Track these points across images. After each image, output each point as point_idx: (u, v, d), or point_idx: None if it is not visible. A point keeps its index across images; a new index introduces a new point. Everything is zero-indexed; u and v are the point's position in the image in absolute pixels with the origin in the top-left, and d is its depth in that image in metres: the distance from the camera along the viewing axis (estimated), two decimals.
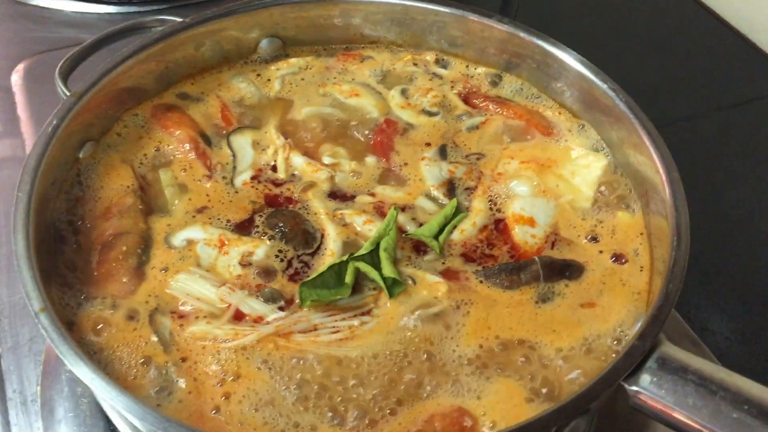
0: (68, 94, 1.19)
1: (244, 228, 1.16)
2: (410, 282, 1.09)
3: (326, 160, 1.27)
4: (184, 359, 1.00)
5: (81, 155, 1.22)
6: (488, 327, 1.05)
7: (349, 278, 1.06)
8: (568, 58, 1.29)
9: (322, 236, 1.15)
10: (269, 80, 1.41)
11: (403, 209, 1.19)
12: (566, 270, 1.11)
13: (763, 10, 2.07)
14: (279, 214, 1.17)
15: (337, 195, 1.22)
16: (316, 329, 1.03)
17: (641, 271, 1.12)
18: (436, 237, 1.14)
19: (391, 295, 1.06)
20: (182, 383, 0.98)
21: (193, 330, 1.02)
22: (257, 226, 1.16)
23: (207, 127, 1.31)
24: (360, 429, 0.94)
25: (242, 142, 1.29)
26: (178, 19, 1.33)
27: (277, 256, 1.12)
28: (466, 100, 1.39)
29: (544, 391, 0.98)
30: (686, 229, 1.03)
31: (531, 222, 1.17)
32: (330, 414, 0.95)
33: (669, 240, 1.03)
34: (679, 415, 0.88)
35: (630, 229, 1.17)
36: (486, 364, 1.01)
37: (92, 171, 1.21)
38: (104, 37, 1.34)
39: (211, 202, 1.19)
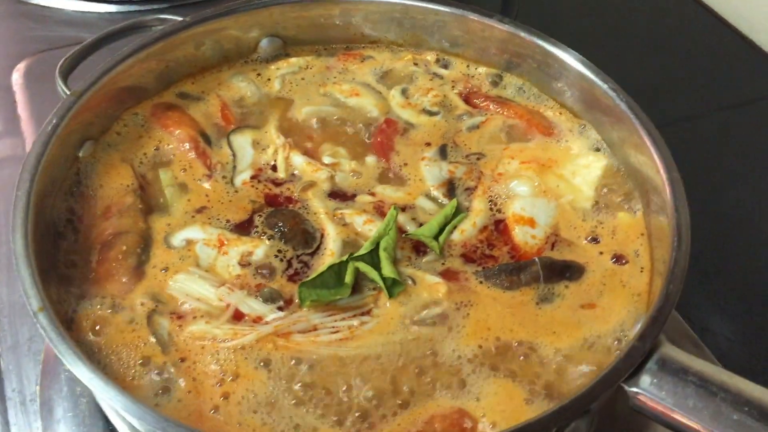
0: (68, 93, 1.18)
1: (243, 228, 1.15)
2: (410, 282, 1.09)
3: (326, 159, 1.27)
4: (182, 359, 1.00)
5: (81, 154, 1.22)
6: (488, 328, 1.04)
7: (348, 278, 1.06)
8: (568, 58, 1.28)
9: (322, 236, 1.15)
10: (269, 80, 1.40)
11: (403, 209, 1.19)
12: (566, 271, 1.11)
13: (763, 9, 2.06)
14: (278, 213, 1.17)
15: (338, 195, 1.21)
16: (315, 329, 1.03)
17: (641, 272, 1.11)
18: (436, 237, 1.14)
19: (390, 295, 1.06)
20: (181, 383, 0.98)
21: (192, 330, 1.02)
22: (256, 226, 1.16)
23: (207, 127, 1.31)
24: (359, 430, 0.94)
25: (242, 141, 1.29)
26: (179, 18, 1.33)
27: (276, 256, 1.12)
28: (466, 99, 1.38)
29: (543, 392, 0.98)
30: (687, 230, 1.03)
31: (531, 222, 1.17)
32: (329, 414, 0.95)
33: (669, 241, 1.02)
34: (679, 417, 0.88)
35: (631, 229, 1.17)
36: (486, 365, 1.00)
37: (92, 170, 1.21)
38: (104, 36, 1.34)
39: (211, 202, 1.19)
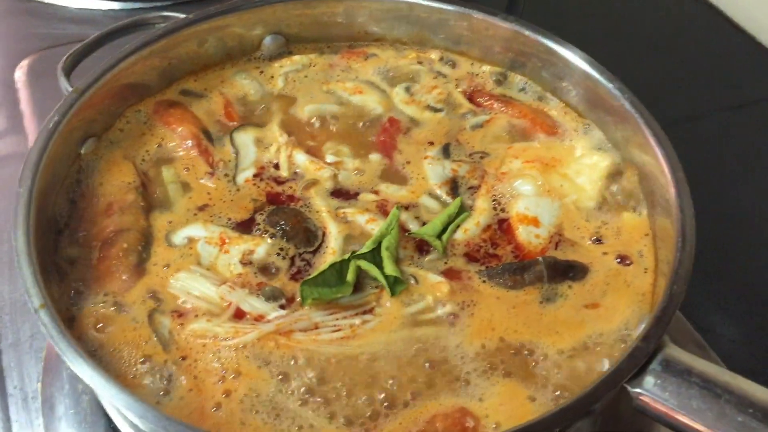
0: (71, 89, 1.18)
1: (245, 226, 1.15)
2: (413, 281, 1.08)
3: (329, 158, 1.26)
4: (184, 357, 1.00)
5: (83, 151, 1.21)
6: (492, 328, 1.04)
7: (350, 276, 1.05)
8: (573, 57, 1.28)
9: (324, 234, 1.14)
10: (272, 77, 1.40)
11: (406, 208, 1.18)
12: (570, 271, 1.10)
13: None
14: (280, 212, 1.16)
15: (340, 193, 1.21)
16: (317, 328, 1.02)
17: (645, 272, 1.11)
18: (439, 236, 1.13)
19: (393, 294, 1.06)
20: (183, 381, 0.98)
21: (194, 328, 1.02)
22: (258, 224, 1.15)
23: (210, 124, 1.30)
24: (360, 428, 0.94)
25: (245, 139, 1.28)
26: (182, 16, 1.33)
27: (278, 255, 1.11)
28: (470, 98, 1.38)
29: (546, 392, 0.98)
30: (691, 230, 1.02)
31: (535, 222, 1.17)
32: (330, 413, 0.95)
33: (674, 241, 1.02)
34: (682, 418, 0.87)
35: (635, 230, 1.16)
36: (489, 364, 1.00)
37: (94, 167, 1.21)
38: (107, 34, 1.34)
39: (213, 200, 1.19)
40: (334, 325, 1.03)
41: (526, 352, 1.02)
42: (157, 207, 1.17)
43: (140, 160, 1.24)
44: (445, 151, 1.28)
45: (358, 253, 1.08)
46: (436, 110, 1.35)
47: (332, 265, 1.06)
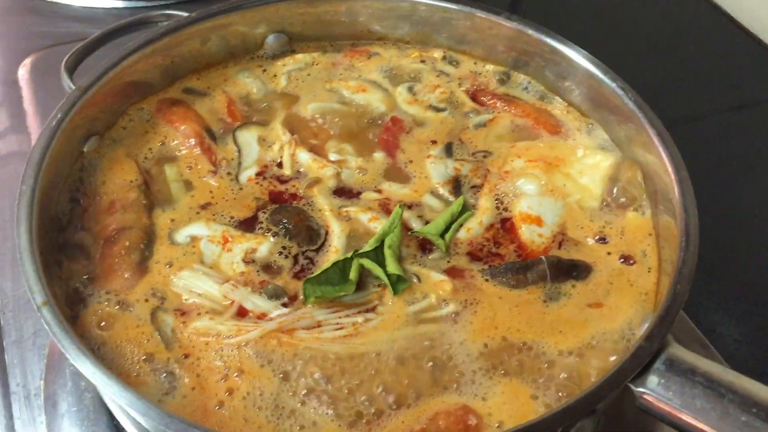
0: (73, 88, 1.18)
1: (247, 224, 1.15)
2: (415, 280, 1.08)
3: (332, 156, 1.26)
4: (186, 355, 1.00)
5: (85, 149, 1.21)
6: (495, 327, 1.04)
7: (353, 275, 1.05)
8: (576, 56, 1.28)
9: (327, 233, 1.14)
10: (275, 76, 1.40)
11: (409, 207, 1.18)
12: (573, 270, 1.10)
13: None
14: (283, 210, 1.16)
15: (343, 191, 1.21)
16: (319, 326, 1.02)
17: (649, 272, 1.11)
18: (442, 235, 1.13)
19: (395, 292, 1.06)
20: (185, 379, 0.98)
21: (196, 326, 1.02)
22: (261, 222, 1.15)
23: (212, 123, 1.30)
24: (363, 426, 0.94)
25: (248, 137, 1.28)
26: (184, 14, 1.33)
27: (280, 253, 1.11)
28: (473, 97, 1.38)
29: (550, 391, 0.97)
30: (695, 230, 1.02)
31: (538, 221, 1.16)
32: (333, 411, 0.95)
33: (677, 240, 1.02)
34: (686, 417, 0.87)
35: (639, 229, 1.16)
36: (492, 363, 1.00)
37: (96, 165, 1.21)
38: (110, 32, 1.34)
39: (215, 198, 1.19)
40: (337, 324, 1.03)
41: (528, 351, 1.01)
42: (159, 205, 1.17)
43: (143, 158, 1.24)
44: (448, 150, 1.27)
45: (360, 251, 1.08)
46: (438, 110, 1.35)
47: (335, 264, 1.06)
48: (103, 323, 1.03)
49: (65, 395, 1.22)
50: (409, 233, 1.14)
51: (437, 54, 1.45)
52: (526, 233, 1.15)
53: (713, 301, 1.45)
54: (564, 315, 1.06)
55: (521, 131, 1.31)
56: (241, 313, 1.04)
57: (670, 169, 1.10)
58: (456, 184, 1.22)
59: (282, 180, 1.22)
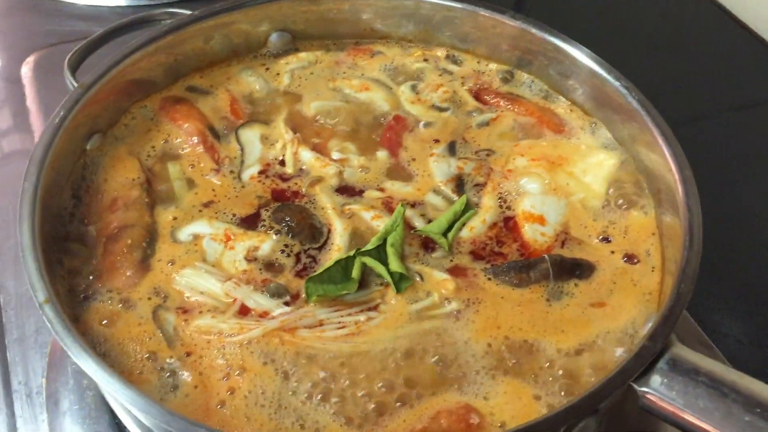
0: (76, 85, 1.18)
1: (250, 222, 1.15)
2: (418, 279, 1.08)
3: (335, 155, 1.26)
4: (188, 354, 1.00)
5: (88, 147, 1.21)
6: (497, 326, 1.03)
7: (355, 273, 1.05)
8: (580, 55, 1.27)
9: (329, 231, 1.14)
10: (278, 74, 1.40)
11: (412, 205, 1.18)
12: (576, 269, 1.10)
13: None
14: (285, 208, 1.16)
15: (345, 190, 1.21)
16: (321, 325, 1.02)
17: (653, 271, 1.10)
18: (444, 234, 1.13)
19: (398, 290, 1.05)
20: (188, 377, 0.98)
21: (199, 324, 1.02)
22: (263, 220, 1.15)
23: (215, 121, 1.30)
24: (365, 425, 0.94)
25: (251, 136, 1.28)
26: (187, 12, 1.33)
27: (283, 251, 1.11)
28: (476, 96, 1.38)
29: (552, 391, 0.97)
30: (699, 229, 1.01)
31: (541, 220, 1.16)
32: (334, 409, 0.95)
33: (681, 240, 1.01)
34: (689, 417, 0.87)
35: (642, 229, 1.15)
36: (494, 362, 1.00)
37: (99, 163, 1.21)
38: (113, 30, 1.34)
39: (218, 197, 1.19)
40: (339, 322, 1.02)
41: (531, 350, 1.01)
42: (161, 203, 1.17)
43: (145, 156, 1.24)
44: (451, 149, 1.27)
45: (363, 249, 1.08)
46: (441, 109, 1.35)
47: (337, 262, 1.06)
48: (105, 321, 1.03)
49: (67, 393, 1.22)
50: (412, 232, 1.14)
51: (440, 53, 1.44)
52: (529, 232, 1.15)
53: (716, 301, 1.44)
54: (567, 314, 1.05)
55: (524, 130, 1.31)
56: (243, 311, 1.04)
57: (673, 168, 1.09)
58: (459, 183, 1.22)
59: (284, 178, 1.22)
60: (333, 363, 0.98)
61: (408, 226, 1.14)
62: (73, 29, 1.88)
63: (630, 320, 1.04)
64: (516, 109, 1.34)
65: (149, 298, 1.05)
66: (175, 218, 1.15)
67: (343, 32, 1.45)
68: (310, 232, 1.13)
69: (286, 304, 1.05)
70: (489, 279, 1.09)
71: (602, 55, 1.27)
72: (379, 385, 0.97)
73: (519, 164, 1.24)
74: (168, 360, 0.99)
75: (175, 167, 1.22)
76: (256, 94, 1.36)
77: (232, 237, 1.12)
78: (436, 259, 1.11)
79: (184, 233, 1.13)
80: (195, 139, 1.25)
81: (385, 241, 1.09)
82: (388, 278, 1.05)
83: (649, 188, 1.19)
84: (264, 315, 1.03)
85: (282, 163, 1.24)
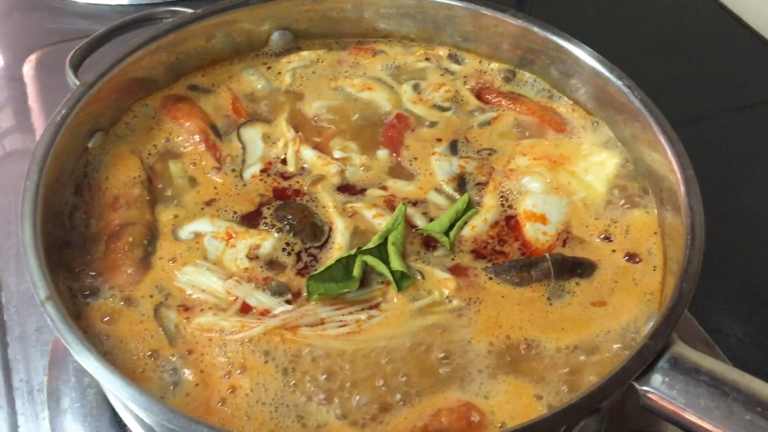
0: (78, 84, 1.18)
1: (251, 220, 1.15)
2: (419, 277, 1.08)
3: (337, 153, 1.26)
4: (190, 351, 1.00)
5: (90, 145, 1.21)
6: (498, 325, 1.03)
7: (357, 271, 1.05)
8: (582, 54, 1.27)
9: (330, 230, 1.14)
10: (280, 73, 1.40)
11: (414, 204, 1.18)
12: (578, 268, 1.10)
13: None
14: (287, 206, 1.16)
15: (347, 188, 1.21)
16: (323, 323, 1.02)
17: (654, 270, 1.10)
18: (446, 232, 1.13)
19: (399, 289, 1.05)
20: (189, 375, 0.97)
21: (200, 321, 1.02)
22: (265, 218, 1.15)
23: (217, 119, 1.30)
24: (366, 423, 0.94)
25: (252, 134, 1.28)
26: (189, 11, 1.33)
27: (284, 250, 1.11)
28: (478, 95, 1.37)
29: (552, 390, 0.97)
30: (701, 228, 1.01)
31: (543, 219, 1.16)
32: (335, 407, 0.95)
33: (683, 239, 1.01)
34: (690, 416, 0.86)
35: (644, 228, 1.15)
36: (494, 361, 0.99)
37: (101, 161, 1.21)
38: (115, 28, 1.34)
39: (219, 195, 1.19)
40: (340, 321, 1.02)
41: (532, 349, 1.01)
42: (163, 201, 1.17)
43: (147, 155, 1.24)
44: (453, 148, 1.27)
45: (364, 248, 1.08)
46: (443, 109, 1.35)
47: (339, 261, 1.06)
48: (107, 319, 1.03)
49: (68, 391, 1.22)
50: (414, 230, 1.14)
51: (442, 52, 1.44)
52: (531, 231, 1.15)
53: (717, 301, 1.44)
54: (568, 313, 1.05)
55: (526, 129, 1.31)
56: (245, 309, 1.04)
57: (676, 167, 1.09)
58: (461, 182, 1.22)
59: (286, 176, 1.22)
60: (334, 361, 0.98)
61: (409, 224, 1.14)
62: (74, 28, 1.88)
63: (631, 319, 1.04)
64: (518, 109, 1.34)
65: (151, 296, 1.05)
66: (176, 216, 1.15)
67: (345, 31, 1.45)
68: (312, 231, 1.13)
69: (288, 302, 1.05)
70: (490, 278, 1.09)
71: (602, 54, 1.27)
72: (380, 383, 0.97)
73: (521, 163, 1.24)
74: (169, 358, 0.99)
75: (176, 166, 1.22)
76: (258, 92, 1.36)
77: (234, 235, 1.12)
78: (437, 258, 1.11)
79: (186, 231, 1.13)
80: (196, 138, 1.26)
81: (386, 239, 1.09)
82: (389, 277, 1.05)
83: (651, 187, 1.19)
84: (265, 313, 1.03)
85: (284, 161, 1.24)
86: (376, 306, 1.05)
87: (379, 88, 1.37)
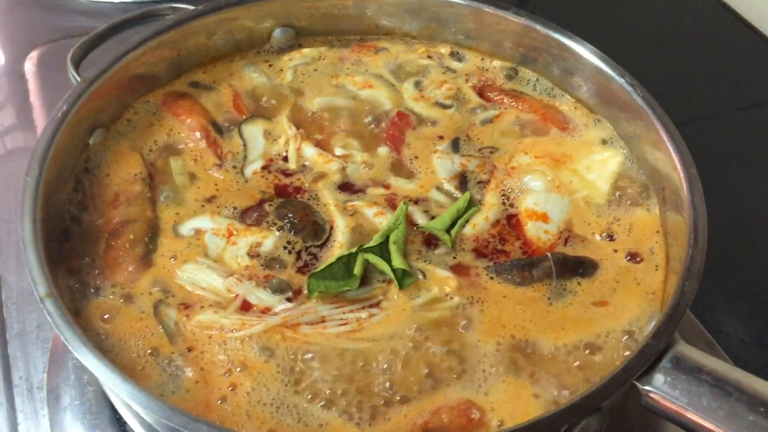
0: (79, 80, 1.18)
1: (252, 217, 1.14)
2: (420, 276, 1.07)
3: (338, 151, 1.25)
4: (190, 349, 0.99)
5: (91, 142, 1.21)
6: (500, 324, 1.03)
7: (357, 270, 1.05)
8: (585, 51, 1.27)
9: (331, 228, 1.14)
10: (281, 70, 1.39)
11: (415, 202, 1.18)
12: (579, 267, 1.09)
13: None
14: (288, 204, 1.16)
15: (348, 186, 1.20)
16: (323, 321, 1.02)
17: (656, 270, 1.10)
18: (447, 231, 1.12)
19: (401, 287, 1.05)
20: (189, 373, 0.97)
21: (200, 319, 1.02)
22: (266, 215, 1.15)
23: (218, 116, 1.30)
24: (366, 421, 0.93)
25: (254, 131, 1.28)
26: (191, 8, 1.32)
27: (285, 248, 1.11)
28: (480, 93, 1.37)
29: (552, 389, 0.97)
30: (704, 228, 1.01)
31: (544, 218, 1.16)
32: (336, 405, 0.94)
33: (686, 238, 1.01)
34: (692, 416, 0.86)
35: (647, 227, 1.15)
36: (495, 360, 0.99)
37: (101, 158, 1.21)
38: (116, 25, 1.34)
39: (220, 192, 1.18)
40: (341, 319, 1.02)
41: (532, 348, 1.01)
42: (163, 198, 1.17)
43: (148, 151, 1.23)
44: (455, 146, 1.27)
45: (365, 246, 1.08)
46: (445, 107, 1.34)
47: (339, 259, 1.06)
48: (107, 316, 1.02)
49: (68, 388, 1.22)
50: (415, 228, 1.14)
51: (444, 49, 1.44)
52: (532, 230, 1.14)
53: (719, 300, 1.44)
54: (569, 313, 1.05)
55: (528, 127, 1.30)
56: (245, 307, 1.04)
57: (678, 166, 1.09)
58: (462, 180, 1.21)
59: (287, 174, 1.22)
60: (334, 359, 0.98)
61: (411, 222, 1.14)
62: (76, 24, 1.88)
63: (633, 319, 1.04)
64: (520, 107, 1.33)
65: (151, 293, 1.05)
66: (177, 213, 1.15)
67: (347, 28, 1.45)
68: (313, 229, 1.12)
69: (288, 300, 1.04)
70: (491, 278, 1.08)
71: (606, 52, 1.26)
72: (381, 380, 0.96)
73: (522, 161, 1.23)
74: (169, 355, 0.99)
75: (177, 162, 1.22)
76: (259, 90, 1.36)
77: (235, 233, 1.12)
78: (438, 256, 1.11)
79: (187, 228, 1.13)
80: (198, 135, 1.25)
81: (387, 238, 1.08)
82: (391, 275, 1.05)
83: (653, 186, 1.19)
84: (266, 311, 1.03)
85: (285, 158, 1.24)
86: (377, 304, 1.04)
87: (380, 85, 1.37)
